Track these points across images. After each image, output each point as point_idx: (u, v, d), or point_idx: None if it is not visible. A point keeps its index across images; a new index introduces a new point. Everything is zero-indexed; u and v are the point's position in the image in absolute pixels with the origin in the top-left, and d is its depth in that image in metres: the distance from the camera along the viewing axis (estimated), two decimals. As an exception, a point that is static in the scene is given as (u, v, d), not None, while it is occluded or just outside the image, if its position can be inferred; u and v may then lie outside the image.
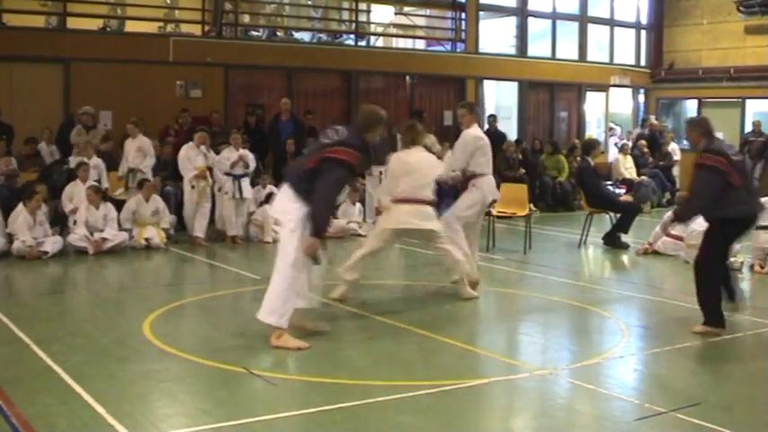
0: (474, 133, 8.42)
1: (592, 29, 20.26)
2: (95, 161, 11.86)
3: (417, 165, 7.73)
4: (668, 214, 11.16)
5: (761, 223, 9.67)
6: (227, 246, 11.35)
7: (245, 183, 11.68)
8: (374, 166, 13.73)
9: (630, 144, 18.24)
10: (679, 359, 6.15)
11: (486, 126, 17.15)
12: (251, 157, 11.81)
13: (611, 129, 20.30)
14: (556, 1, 19.60)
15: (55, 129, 13.08)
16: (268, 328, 6.08)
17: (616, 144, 19.42)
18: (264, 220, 11.60)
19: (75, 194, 11.03)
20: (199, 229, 11.36)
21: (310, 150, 6.45)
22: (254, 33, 16.79)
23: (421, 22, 18.93)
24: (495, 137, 16.81)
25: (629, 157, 17.40)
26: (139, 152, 11.91)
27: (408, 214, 7.64)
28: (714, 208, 6.60)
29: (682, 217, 8.13)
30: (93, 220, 10.53)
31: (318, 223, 5.96)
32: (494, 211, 11.45)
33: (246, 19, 16.79)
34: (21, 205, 10.18)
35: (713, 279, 6.69)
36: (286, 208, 6.08)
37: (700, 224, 10.18)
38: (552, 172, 16.75)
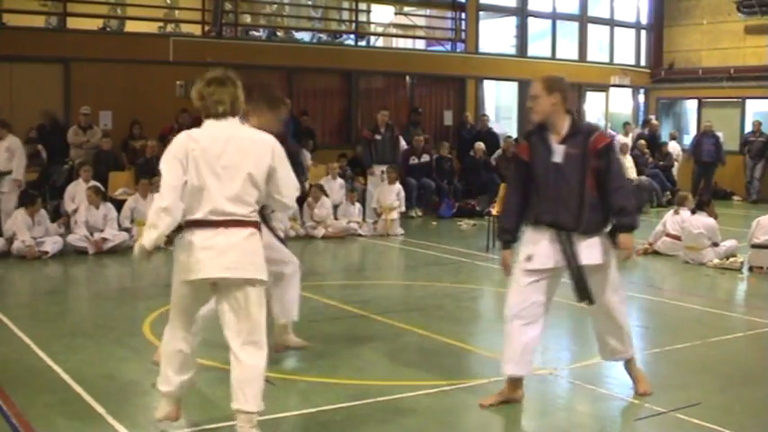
0: None
1: (592, 29, 20.26)
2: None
3: None
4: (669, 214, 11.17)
5: (756, 241, 9.72)
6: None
7: None
8: (376, 165, 13.75)
9: (630, 144, 18.23)
10: (679, 359, 6.14)
11: (479, 125, 17.22)
12: None
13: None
14: (556, 1, 19.59)
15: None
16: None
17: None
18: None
19: (76, 194, 11.04)
20: None
21: None
22: (254, 33, 16.79)
23: (421, 22, 18.93)
24: (488, 136, 16.87)
25: (629, 157, 17.40)
26: (8, 153, 11.11)
27: None
28: None
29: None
30: (93, 220, 10.53)
31: None
32: (494, 212, 11.45)
33: (247, 19, 16.79)
34: (21, 208, 10.20)
35: None
36: None
37: (695, 226, 10.25)
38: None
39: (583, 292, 4.85)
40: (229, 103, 4.21)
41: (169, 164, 4.09)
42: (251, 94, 5.21)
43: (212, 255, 4.03)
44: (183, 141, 4.14)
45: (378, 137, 13.98)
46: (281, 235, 6.00)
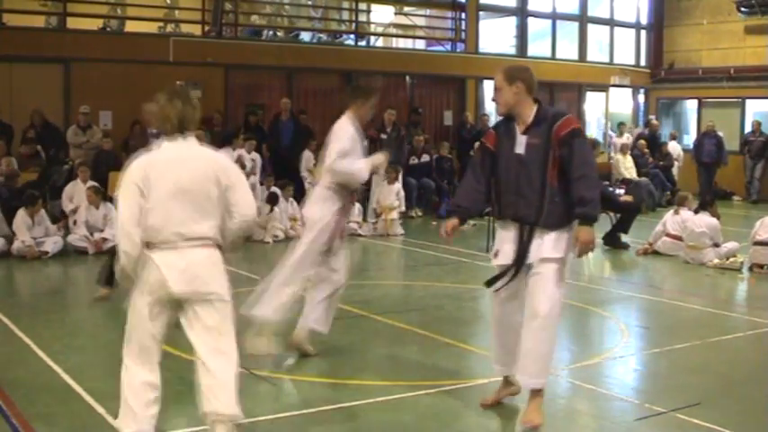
0: None
1: (592, 29, 20.27)
2: None
3: None
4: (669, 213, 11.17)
5: (759, 238, 9.73)
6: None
7: None
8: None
9: (630, 144, 18.24)
10: (679, 359, 6.14)
11: (479, 125, 17.21)
12: (247, 158, 11.88)
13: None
14: (556, 1, 19.60)
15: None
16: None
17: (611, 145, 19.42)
18: (272, 219, 11.68)
19: (75, 194, 11.04)
20: None
21: None
22: (255, 33, 16.80)
23: (421, 22, 18.93)
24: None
25: (629, 157, 17.40)
26: None
27: None
28: None
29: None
30: (93, 220, 10.53)
31: None
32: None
33: (247, 19, 16.80)
34: (21, 208, 10.21)
35: None
36: None
37: (698, 225, 10.25)
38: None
39: (493, 281, 4.74)
40: (176, 120, 4.11)
41: (126, 189, 4.05)
42: (347, 91, 6.28)
43: (176, 273, 3.99)
44: (140, 166, 4.09)
45: (383, 136, 13.98)
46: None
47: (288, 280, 5.89)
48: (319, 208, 6.00)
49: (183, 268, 4.01)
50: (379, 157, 6.25)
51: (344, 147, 5.94)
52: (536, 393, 4.65)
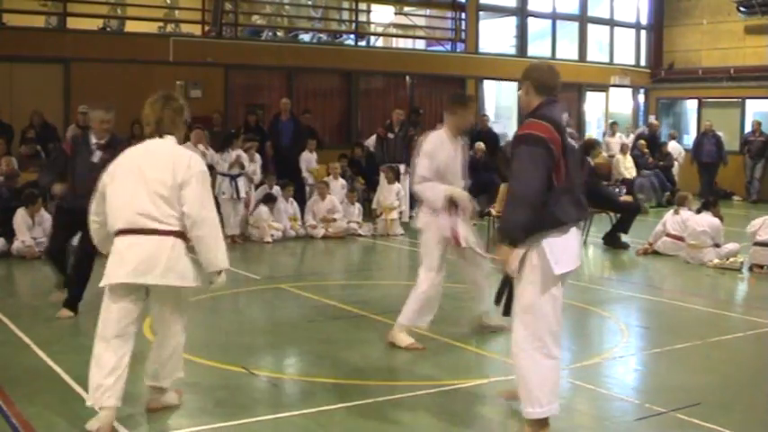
0: None
1: (592, 29, 20.27)
2: None
3: None
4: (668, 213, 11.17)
5: (759, 239, 9.73)
6: (227, 246, 11.33)
7: (241, 182, 11.74)
8: (387, 165, 13.65)
9: (630, 144, 18.24)
10: (679, 359, 6.14)
11: (479, 125, 17.21)
12: (245, 157, 11.90)
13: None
14: (556, 1, 19.60)
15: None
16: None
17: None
18: (260, 220, 11.68)
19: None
20: None
21: None
22: (255, 33, 16.79)
23: (421, 22, 18.93)
24: (488, 137, 16.87)
25: (629, 157, 17.40)
26: None
27: None
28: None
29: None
30: (92, 220, 10.52)
31: None
32: (494, 212, 11.45)
33: (247, 19, 16.79)
34: (22, 208, 10.20)
35: None
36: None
37: (700, 224, 10.25)
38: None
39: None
40: (154, 123, 4.57)
41: (102, 178, 4.60)
42: (446, 101, 6.45)
43: (131, 261, 4.37)
44: (115, 162, 4.62)
45: (391, 135, 13.99)
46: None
47: (418, 283, 6.30)
48: (423, 215, 6.37)
49: (138, 257, 4.37)
50: (462, 195, 6.20)
51: (424, 169, 6.13)
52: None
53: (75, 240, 7.53)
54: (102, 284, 4.47)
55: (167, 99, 4.64)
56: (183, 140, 5.24)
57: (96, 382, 4.41)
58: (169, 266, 4.38)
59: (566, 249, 4.23)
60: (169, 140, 4.58)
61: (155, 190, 4.39)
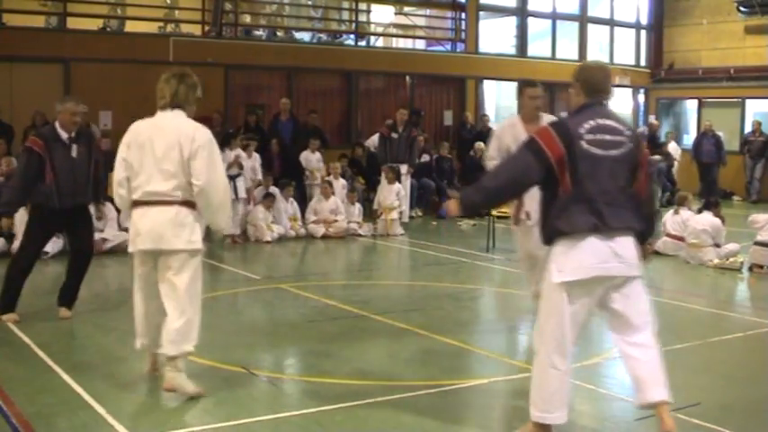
0: None
1: (592, 29, 20.27)
2: None
3: None
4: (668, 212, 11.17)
5: (759, 239, 9.73)
6: (227, 246, 11.35)
7: (240, 183, 11.76)
8: (389, 164, 13.63)
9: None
10: (679, 359, 6.14)
11: (480, 125, 17.22)
12: (244, 157, 11.93)
13: None
14: (556, 1, 19.60)
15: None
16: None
17: None
18: (255, 219, 11.69)
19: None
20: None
21: None
22: (255, 33, 16.79)
23: (421, 22, 18.93)
24: (488, 136, 16.86)
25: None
26: None
27: None
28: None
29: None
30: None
31: None
32: (494, 212, 11.45)
33: (247, 19, 16.79)
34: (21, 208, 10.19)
35: None
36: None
37: (701, 223, 10.25)
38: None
39: None
40: (169, 97, 4.93)
41: (118, 151, 5.01)
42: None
43: (142, 231, 4.84)
44: (130, 130, 5.02)
45: (394, 135, 13.97)
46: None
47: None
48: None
49: (149, 226, 4.81)
50: None
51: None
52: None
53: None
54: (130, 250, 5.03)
55: (183, 75, 5.02)
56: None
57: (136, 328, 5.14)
58: (174, 233, 4.78)
59: (572, 259, 4.15)
60: (179, 114, 4.92)
61: (164, 167, 4.77)
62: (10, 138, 12.37)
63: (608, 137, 4.16)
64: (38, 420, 4.54)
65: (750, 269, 9.75)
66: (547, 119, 6.38)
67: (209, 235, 11.56)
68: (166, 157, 4.77)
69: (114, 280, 9.43)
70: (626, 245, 4.19)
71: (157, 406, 4.91)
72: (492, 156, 6.60)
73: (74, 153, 6.80)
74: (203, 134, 4.86)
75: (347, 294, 7.99)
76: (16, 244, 9.97)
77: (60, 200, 6.71)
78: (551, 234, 4.23)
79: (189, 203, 4.85)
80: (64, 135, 6.79)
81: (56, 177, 6.68)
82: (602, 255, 4.14)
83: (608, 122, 4.21)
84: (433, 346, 6.26)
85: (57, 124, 6.84)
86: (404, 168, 13.71)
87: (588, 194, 4.13)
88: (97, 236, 10.44)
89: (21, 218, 10.05)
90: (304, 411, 4.77)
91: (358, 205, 12.98)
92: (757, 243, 9.78)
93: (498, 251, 11.03)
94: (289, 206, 12.26)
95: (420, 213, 14.92)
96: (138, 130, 4.96)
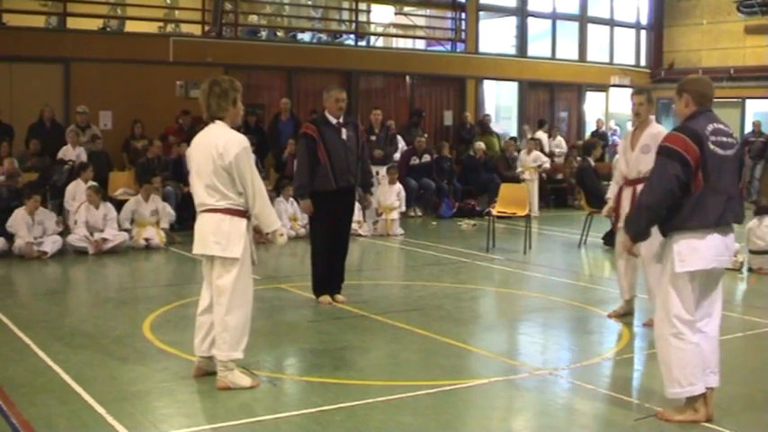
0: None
1: (592, 29, 20.27)
2: None
3: None
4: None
5: (754, 248, 9.72)
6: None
7: None
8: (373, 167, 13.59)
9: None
10: (679, 359, 6.13)
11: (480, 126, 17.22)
12: None
13: (612, 128, 20.29)
14: (556, 1, 19.61)
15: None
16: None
17: (614, 143, 19.41)
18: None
19: (77, 193, 11.04)
20: None
21: None
22: (255, 33, 16.80)
23: (421, 22, 18.94)
24: (488, 136, 16.90)
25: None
26: None
27: None
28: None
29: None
30: (93, 221, 10.53)
31: None
32: (494, 212, 11.45)
33: (247, 19, 16.80)
34: (21, 208, 10.22)
35: None
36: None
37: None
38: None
39: None
40: (206, 111, 5.15)
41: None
42: None
43: (196, 235, 5.15)
44: (191, 143, 5.31)
45: (373, 138, 13.77)
46: None
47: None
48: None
49: (198, 233, 5.11)
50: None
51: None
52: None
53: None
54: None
55: (211, 85, 5.13)
56: (185, 141, 5.47)
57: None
58: (215, 240, 5.01)
59: (696, 250, 4.53)
60: (218, 126, 5.14)
61: (206, 182, 5.03)
62: (10, 138, 12.38)
63: (724, 138, 4.62)
64: (38, 420, 4.54)
65: (750, 269, 9.75)
66: (656, 126, 7.33)
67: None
68: (204, 170, 5.03)
69: (114, 280, 9.44)
70: (733, 238, 4.69)
71: (157, 406, 4.91)
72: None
73: (344, 136, 7.42)
74: (234, 145, 5.01)
75: (347, 294, 7.98)
76: (19, 242, 9.99)
77: (336, 180, 7.35)
78: (678, 227, 4.57)
79: (232, 211, 5.04)
80: (333, 120, 7.46)
81: (330, 158, 7.34)
82: (719, 248, 4.58)
83: (721, 126, 4.68)
84: (432, 346, 6.26)
85: (326, 112, 7.52)
86: (382, 170, 13.35)
87: (716, 191, 4.53)
88: (97, 236, 10.46)
89: (21, 218, 10.08)
90: (304, 411, 4.77)
91: (358, 205, 12.96)
92: (752, 252, 9.76)
93: (498, 251, 11.03)
94: (289, 206, 12.26)
95: (420, 213, 14.92)
96: (192, 144, 5.25)
